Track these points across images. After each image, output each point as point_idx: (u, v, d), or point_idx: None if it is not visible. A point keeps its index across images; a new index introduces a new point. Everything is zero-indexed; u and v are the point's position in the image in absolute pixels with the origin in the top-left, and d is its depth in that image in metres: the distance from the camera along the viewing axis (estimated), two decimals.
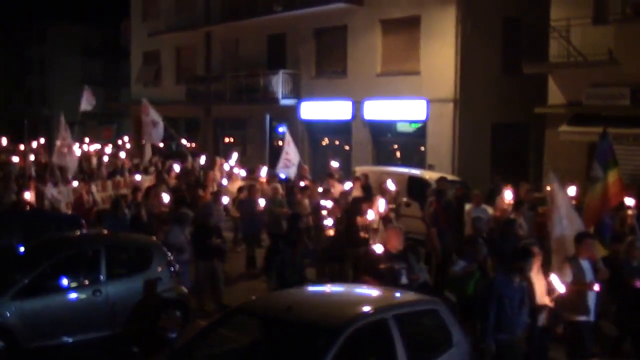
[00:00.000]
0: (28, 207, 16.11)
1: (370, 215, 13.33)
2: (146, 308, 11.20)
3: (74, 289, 10.82)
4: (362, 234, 13.31)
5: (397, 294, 8.47)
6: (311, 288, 8.78)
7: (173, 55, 38.25)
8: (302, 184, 18.46)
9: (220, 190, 17.34)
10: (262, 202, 16.29)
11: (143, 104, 22.82)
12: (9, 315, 10.09)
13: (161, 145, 28.06)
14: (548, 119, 21.81)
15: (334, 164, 22.40)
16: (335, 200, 15.37)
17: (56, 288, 10.67)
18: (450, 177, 21.54)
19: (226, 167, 22.27)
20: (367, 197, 15.23)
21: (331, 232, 13.27)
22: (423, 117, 25.35)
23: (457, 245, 13.22)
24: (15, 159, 26.23)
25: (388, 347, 7.04)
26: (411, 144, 26.78)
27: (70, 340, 10.59)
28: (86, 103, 24.70)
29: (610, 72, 19.82)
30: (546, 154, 22.00)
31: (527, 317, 8.54)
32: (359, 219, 13.52)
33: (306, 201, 16.47)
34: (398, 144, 27.38)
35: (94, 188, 17.96)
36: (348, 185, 17.53)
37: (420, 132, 25.96)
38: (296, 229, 12.03)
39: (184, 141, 28.59)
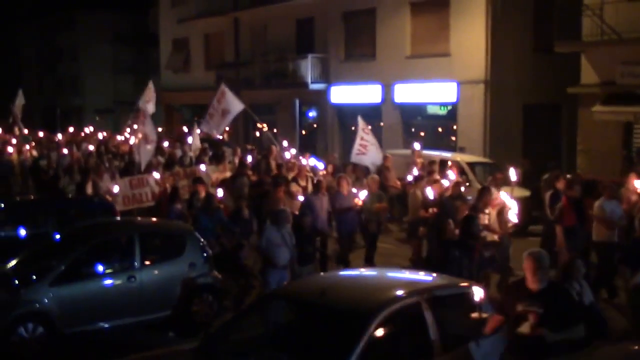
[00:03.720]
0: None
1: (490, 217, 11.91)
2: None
3: (109, 275, 10.95)
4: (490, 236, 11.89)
5: (430, 277, 8.44)
6: (344, 272, 8.76)
7: (202, 42, 38.38)
8: (410, 176, 16.56)
9: (321, 182, 14.63)
10: (362, 195, 13.97)
11: (221, 89, 20.34)
12: (47, 301, 10.24)
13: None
14: (581, 99, 21.47)
15: (416, 145, 20.08)
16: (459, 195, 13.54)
17: (92, 274, 10.78)
18: (482, 159, 21.45)
19: (287, 155, 20.26)
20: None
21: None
22: (453, 99, 25.14)
23: (585, 246, 12.19)
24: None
25: (421, 330, 7.02)
26: (442, 127, 26.61)
27: (106, 325, 10.73)
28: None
29: None
30: (579, 135, 21.70)
31: None
32: (482, 218, 11.74)
33: (419, 193, 14.43)
34: (429, 126, 27.20)
35: (152, 180, 16.62)
36: (451, 175, 15.48)
37: (451, 115, 25.77)
38: (470, 233, 10.17)
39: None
